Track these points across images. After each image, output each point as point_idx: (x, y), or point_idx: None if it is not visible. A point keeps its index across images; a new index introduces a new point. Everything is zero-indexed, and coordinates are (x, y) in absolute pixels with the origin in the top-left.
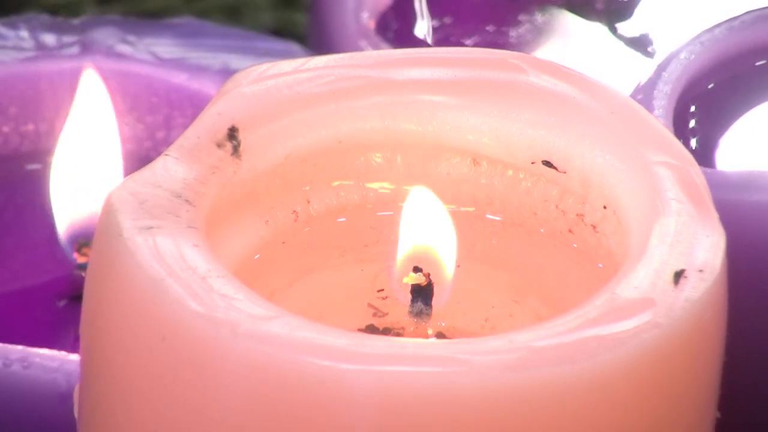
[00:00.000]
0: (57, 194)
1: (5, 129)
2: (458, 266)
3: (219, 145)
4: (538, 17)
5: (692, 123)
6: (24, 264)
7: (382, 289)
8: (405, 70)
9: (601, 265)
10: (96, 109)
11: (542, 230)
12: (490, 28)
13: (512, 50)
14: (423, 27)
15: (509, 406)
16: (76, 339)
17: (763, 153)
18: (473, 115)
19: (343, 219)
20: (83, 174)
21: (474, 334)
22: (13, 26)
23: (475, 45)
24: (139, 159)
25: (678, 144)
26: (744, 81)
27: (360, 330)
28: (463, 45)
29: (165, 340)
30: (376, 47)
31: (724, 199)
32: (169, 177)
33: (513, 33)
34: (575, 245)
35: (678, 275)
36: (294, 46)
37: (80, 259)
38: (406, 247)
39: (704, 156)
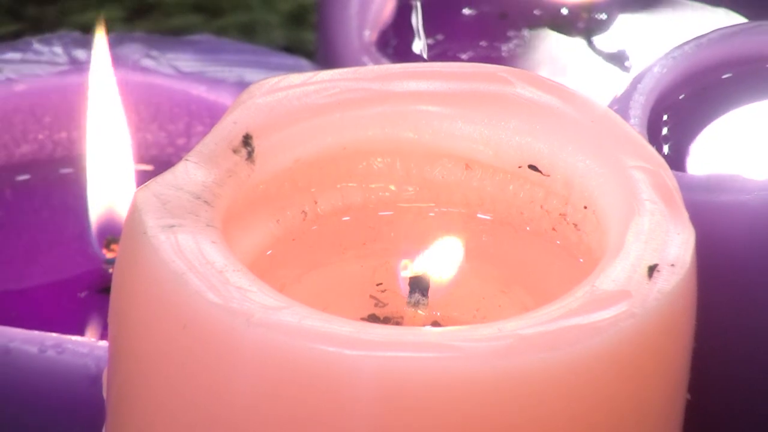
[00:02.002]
0: (92, 196)
1: (40, 136)
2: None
3: (235, 151)
4: (526, 34)
5: (665, 130)
6: (57, 259)
7: (381, 283)
8: (403, 82)
9: (581, 260)
10: (111, 118)
11: (528, 228)
12: (482, 43)
13: (502, 64)
14: (419, 44)
15: (498, 389)
16: (105, 327)
17: (730, 158)
18: (466, 124)
19: (348, 218)
20: (108, 177)
21: (466, 323)
22: (48, 43)
23: (469, 60)
24: (161, 163)
25: (652, 150)
26: (712, 92)
27: (363, 319)
28: (457, 59)
29: (185, 329)
30: (377, 62)
31: (694, 199)
32: (189, 180)
33: (504, 48)
34: (558, 242)
35: (652, 269)
36: (303, 61)
37: (108, 255)
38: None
39: (676, 161)
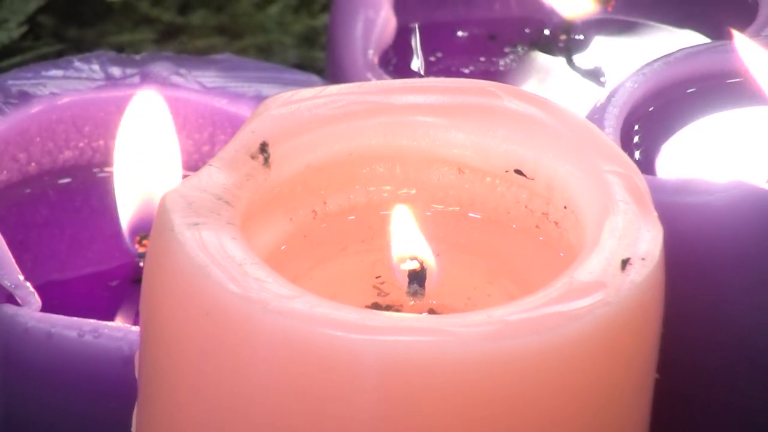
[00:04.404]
0: (120, 197)
1: (81, 144)
2: (438, 255)
3: (252, 157)
4: (512, 53)
5: (636, 139)
6: (95, 254)
7: (380, 276)
8: (403, 96)
9: (562, 254)
10: (154, 126)
11: (514, 226)
12: (476, 60)
13: (491, 80)
14: (417, 62)
15: (488, 369)
16: (137, 314)
17: (694, 163)
18: (458, 133)
19: (353, 217)
20: (141, 179)
21: (459, 310)
22: (87, 61)
23: (462, 75)
24: (188, 168)
25: (625, 156)
26: (678, 105)
27: (366, 307)
28: (452, 75)
29: (208, 316)
30: (379, 78)
31: (662, 201)
32: (212, 183)
33: (492, 66)
34: (541, 238)
35: (625, 262)
36: (314, 77)
37: (140, 250)
38: (397, 248)
39: (646, 166)
